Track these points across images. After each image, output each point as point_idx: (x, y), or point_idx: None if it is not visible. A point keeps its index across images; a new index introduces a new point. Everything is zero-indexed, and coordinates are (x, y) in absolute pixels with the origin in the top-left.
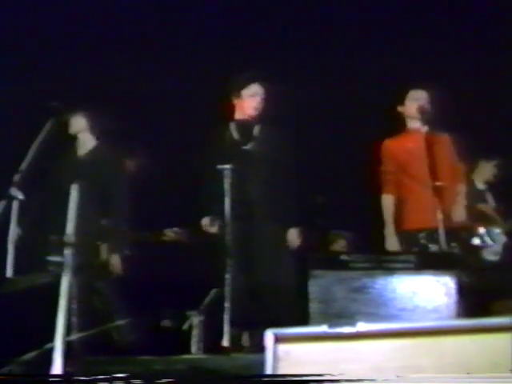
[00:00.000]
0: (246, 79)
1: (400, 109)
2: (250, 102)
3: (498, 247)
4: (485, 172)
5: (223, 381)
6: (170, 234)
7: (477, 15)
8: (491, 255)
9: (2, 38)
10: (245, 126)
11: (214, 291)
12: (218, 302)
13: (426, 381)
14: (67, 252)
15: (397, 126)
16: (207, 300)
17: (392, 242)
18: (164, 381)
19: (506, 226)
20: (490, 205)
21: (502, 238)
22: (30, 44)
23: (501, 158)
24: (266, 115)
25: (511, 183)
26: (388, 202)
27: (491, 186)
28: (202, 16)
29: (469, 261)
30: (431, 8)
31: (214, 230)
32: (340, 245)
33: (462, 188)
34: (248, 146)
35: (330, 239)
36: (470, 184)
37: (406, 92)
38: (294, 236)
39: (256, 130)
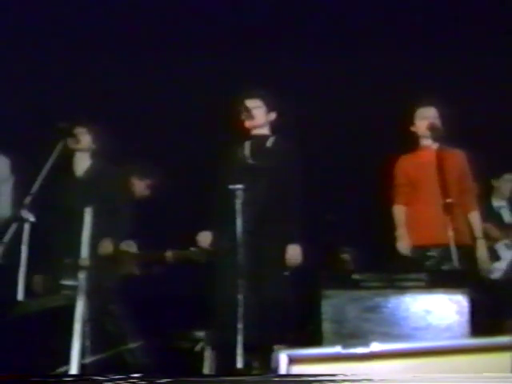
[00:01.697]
0: (239, 96)
1: (413, 128)
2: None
3: (501, 265)
4: (502, 189)
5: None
6: (187, 253)
7: (490, 30)
8: (490, 273)
9: (11, 60)
10: (257, 142)
11: (225, 312)
12: (231, 323)
13: (427, 381)
14: (81, 275)
15: (410, 143)
16: (219, 321)
17: (404, 245)
18: (164, 381)
19: None
20: (506, 221)
21: (509, 255)
22: (40, 64)
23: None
24: (279, 128)
25: None
26: (400, 210)
27: (509, 202)
28: (214, 30)
29: (480, 278)
30: (442, 24)
31: (207, 245)
32: (343, 260)
33: (475, 205)
34: (257, 164)
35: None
36: (485, 203)
37: (414, 110)
38: (294, 251)
39: (269, 144)
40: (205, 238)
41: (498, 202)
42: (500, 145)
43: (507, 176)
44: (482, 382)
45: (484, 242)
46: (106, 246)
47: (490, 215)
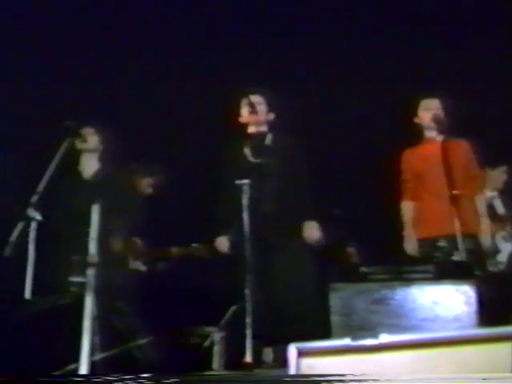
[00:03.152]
0: (243, 91)
1: (416, 120)
2: (247, 111)
3: (502, 257)
4: (494, 180)
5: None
6: (190, 250)
7: (490, 20)
8: (492, 266)
9: (16, 58)
10: (258, 140)
11: (234, 307)
12: (240, 317)
13: (428, 381)
14: (90, 272)
15: (414, 136)
16: (228, 316)
17: (411, 246)
18: (172, 380)
19: None
20: (499, 213)
21: (508, 247)
22: (47, 63)
23: (508, 164)
24: (278, 126)
25: None
26: (407, 207)
27: (501, 193)
28: (217, 29)
29: (486, 269)
30: (442, 14)
31: (226, 250)
32: (351, 253)
33: (481, 189)
34: (262, 160)
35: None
36: None
37: (418, 102)
38: (312, 229)
39: (269, 142)
40: (222, 244)
41: (489, 193)
42: (494, 136)
43: (494, 168)
44: (483, 382)
45: (488, 222)
46: (117, 244)
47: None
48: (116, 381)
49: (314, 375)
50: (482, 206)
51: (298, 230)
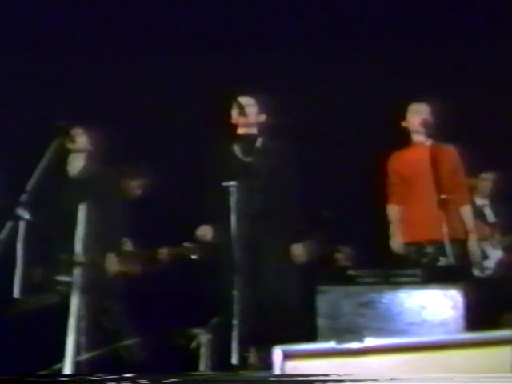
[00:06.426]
0: (233, 91)
1: (404, 123)
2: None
3: (489, 263)
4: (483, 187)
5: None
6: (180, 249)
7: (480, 26)
8: (478, 272)
9: (10, 57)
10: (248, 141)
11: (221, 309)
12: (226, 319)
13: (427, 381)
14: (76, 271)
15: (402, 139)
16: (215, 318)
17: (397, 244)
18: (169, 381)
19: (504, 241)
20: (489, 220)
21: (497, 254)
22: (36, 63)
23: (498, 171)
24: (268, 129)
25: (510, 197)
26: (393, 210)
27: (490, 200)
28: (207, 31)
29: (472, 275)
30: (433, 20)
31: (210, 238)
32: (339, 256)
33: (467, 199)
34: (252, 161)
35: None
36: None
37: (407, 106)
38: (299, 251)
39: (259, 144)
40: (205, 232)
41: (480, 201)
42: (483, 142)
43: (485, 175)
44: (482, 382)
45: (475, 236)
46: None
47: (475, 214)
48: (99, 381)
49: (297, 375)
50: (468, 215)
51: (278, 249)
